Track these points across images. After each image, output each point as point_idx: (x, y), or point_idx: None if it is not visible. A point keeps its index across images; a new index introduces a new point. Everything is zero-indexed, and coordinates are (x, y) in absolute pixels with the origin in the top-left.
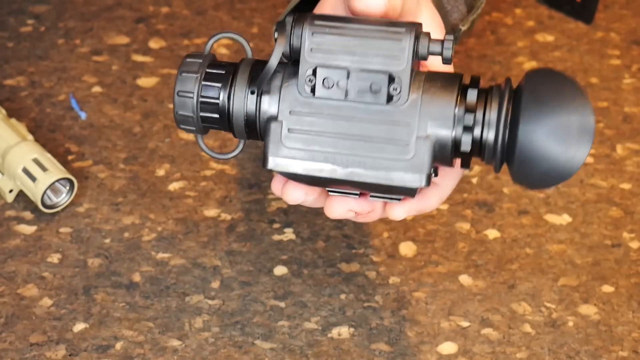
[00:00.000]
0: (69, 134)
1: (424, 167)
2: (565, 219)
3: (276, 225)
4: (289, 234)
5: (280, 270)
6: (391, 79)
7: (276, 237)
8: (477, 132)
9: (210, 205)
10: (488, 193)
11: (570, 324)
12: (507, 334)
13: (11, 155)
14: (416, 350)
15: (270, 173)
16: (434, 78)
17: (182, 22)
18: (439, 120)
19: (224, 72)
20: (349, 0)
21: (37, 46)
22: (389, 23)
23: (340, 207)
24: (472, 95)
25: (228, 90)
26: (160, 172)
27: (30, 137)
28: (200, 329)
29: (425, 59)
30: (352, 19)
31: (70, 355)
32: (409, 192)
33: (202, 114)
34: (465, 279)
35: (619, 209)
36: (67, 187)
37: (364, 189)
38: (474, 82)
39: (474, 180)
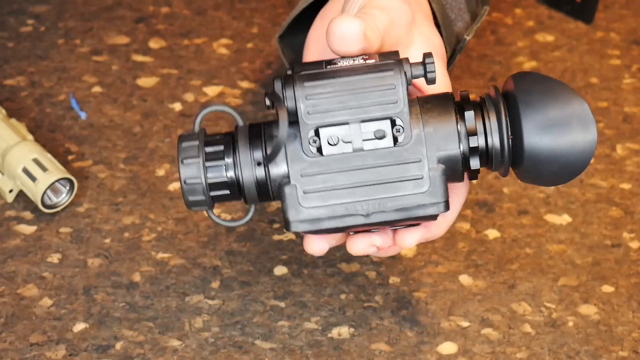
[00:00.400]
0: (69, 134)
1: (440, 194)
2: (565, 219)
3: (276, 225)
4: (289, 234)
5: (280, 270)
6: (393, 122)
7: (276, 237)
8: (482, 147)
9: None
10: (488, 193)
11: (570, 324)
12: (507, 334)
13: (11, 155)
14: (416, 350)
15: None
16: (428, 107)
17: (182, 22)
18: (446, 149)
19: (222, 147)
20: (328, 40)
21: (37, 46)
22: (376, 67)
23: (363, 243)
24: (469, 116)
25: (234, 166)
26: (160, 172)
27: (30, 137)
28: (200, 329)
29: (409, 85)
30: (338, 70)
31: (70, 355)
32: (431, 218)
33: (212, 193)
34: (465, 279)
35: (619, 209)
36: (67, 187)
37: (387, 225)
38: (466, 100)
39: (474, 180)
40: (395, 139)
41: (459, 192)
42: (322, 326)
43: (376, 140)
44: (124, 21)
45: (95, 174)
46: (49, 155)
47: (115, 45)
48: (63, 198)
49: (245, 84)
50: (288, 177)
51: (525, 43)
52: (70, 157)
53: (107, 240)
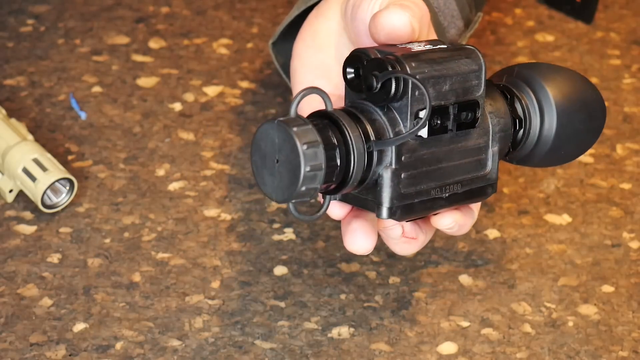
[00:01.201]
0: (69, 134)
1: (494, 176)
2: (565, 219)
3: (276, 225)
4: (289, 234)
5: (280, 270)
6: (477, 105)
7: (276, 237)
8: (526, 127)
9: (210, 205)
10: None
11: (570, 324)
12: (507, 334)
13: (11, 155)
14: (416, 350)
15: None
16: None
17: (182, 22)
18: (504, 133)
19: (330, 132)
20: (374, 33)
21: (37, 46)
22: (458, 51)
23: (449, 219)
24: (515, 101)
25: (346, 154)
26: (160, 172)
27: (30, 137)
28: (200, 329)
29: None
30: (428, 51)
31: (70, 355)
32: (484, 196)
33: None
34: (465, 279)
35: (619, 209)
36: (67, 187)
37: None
38: (507, 89)
39: None
40: (476, 120)
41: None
42: (322, 326)
43: (464, 122)
44: (124, 21)
45: (95, 174)
46: (49, 155)
47: (115, 45)
48: (63, 198)
49: (245, 84)
50: (391, 160)
51: (525, 43)
52: (70, 157)
53: (107, 240)
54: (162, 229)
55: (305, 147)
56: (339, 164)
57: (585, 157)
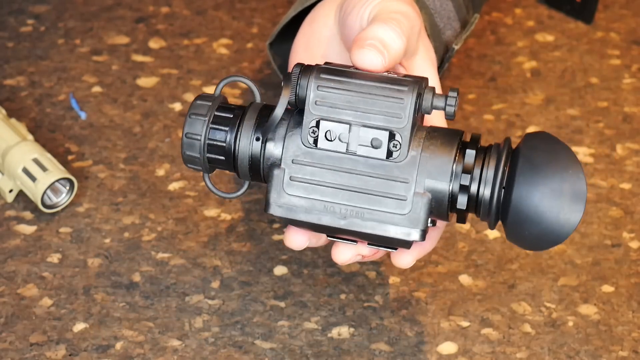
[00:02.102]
0: (69, 134)
1: (419, 222)
2: None
3: (276, 225)
4: None
5: (280, 270)
6: (392, 136)
7: (276, 237)
8: (473, 190)
9: (210, 205)
10: None
11: (570, 324)
12: (507, 334)
13: (11, 155)
14: (416, 350)
15: None
16: (434, 135)
17: (182, 22)
18: (436, 178)
19: (231, 115)
20: (351, 55)
21: (37, 46)
22: (393, 80)
23: (349, 253)
24: (470, 155)
25: (234, 134)
26: (160, 172)
27: (30, 137)
28: (200, 329)
29: (428, 113)
30: (357, 73)
31: (70, 355)
32: (405, 244)
33: (208, 155)
34: (465, 279)
35: (619, 209)
36: (67, 187)
37: (362, 238)
38: (474, 141)
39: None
40: (389, 153)
41: (434, 234)
42: (322, 326)
43: (371, 149)
44: (124, 21)
45: (95, 174)
46: (49, 155)
47: (115, 45)
48: (63, 198)
49: (245, 84)
50: (280, 159)
51: (525, 43)
52: (70, 157)
53: (107, 240)
54: (162, 229)
55: (191, 116)
56: (225, 142)
57: (585, 157)
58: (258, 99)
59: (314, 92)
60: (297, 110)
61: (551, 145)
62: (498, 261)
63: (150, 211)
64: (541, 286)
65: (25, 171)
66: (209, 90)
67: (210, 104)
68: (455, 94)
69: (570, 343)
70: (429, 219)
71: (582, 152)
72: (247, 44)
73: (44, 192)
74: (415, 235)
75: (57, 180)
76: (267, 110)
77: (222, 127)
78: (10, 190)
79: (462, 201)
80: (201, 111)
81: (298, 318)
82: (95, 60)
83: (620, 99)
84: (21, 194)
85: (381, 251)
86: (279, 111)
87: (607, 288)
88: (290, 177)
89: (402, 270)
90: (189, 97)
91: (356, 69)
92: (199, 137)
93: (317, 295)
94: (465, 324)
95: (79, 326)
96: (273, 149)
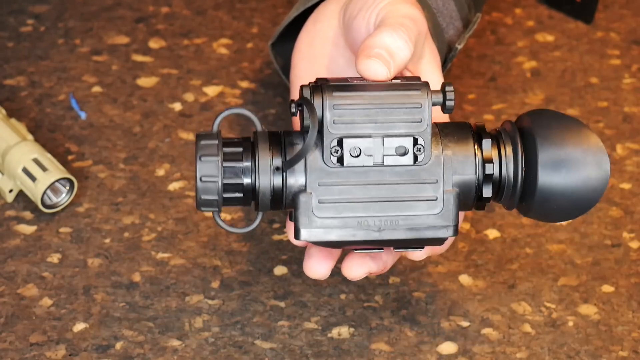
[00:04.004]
0: (69, 134)
1: (451, 218)
2: None
3: (276, 225)
4: (289, 234)
5: (280, 270)
6: (415, 141)
7: (276, 237)
8: (496, 177)
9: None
10: None
11: (570, 324)
12: (507, 334)
13: (11, 155)
14: (416, 350)
15: None
16: (447, 132)
17: (182, 22)
18: (463, 173)
19: (241, 149)
20: (357, 64)
21: (37, 46)
22: (404, 86)
23: (360, 270)
24: (487, 144)
25: (251, 170)
26: (160, 172)
27: (30, 137)
28: (200, 329)
29: None
30: (367, 85)
31: (70, 355)
32: (438, 242)
33: (225, 195)
34: (465, 279)
35: (619, 209)
36: (67, 187)
37: (395, 245)
38: (483, 130)
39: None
40: (415, 158)
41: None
42: (322, 326)
43: (397, 157)
44: (124, 21)
45: (95, 174)
46: (49, 155)
47: (115, 45)
48: (63, 198)
49: (245, 84)
50: (305, 185)
51: (525, 43)
52: (70, 157)
53: (107, 240)
54: (162, 229)
55: (202, 158)
56: (243, 180)
57: None
58: (259, 128)
59: (330, 111)
60: (307, 132)
61: (559, 120)
62: (498, 261)
63: (150, 211)
64: (541, 286)
65: (25, 171)
66: (209, 90)
67: (217, 142)
68: (451, 88)
69: (570, 343)
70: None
71: None
72: (247, 44)
73: (44, 192)
74: (449, 232)
75: (57, 180)
76: (274, 136)
77: (236, 165)
78: (10, 190)
79: (487, 190)
80: (211, 151)
81: (298, 318)
82: (95, 60)
83: (620, 99)
84: (21, 194)
85: (388, 265)
86: (311, 140)
87: (607, 288)
88: (319, 201)
89: (402, 270)
90: (189, 97)
91: (362, 79)
92: (215, 179)
93: (317, 295)
94: (465, 324)
95: (79, 326)
96: (296, 178)
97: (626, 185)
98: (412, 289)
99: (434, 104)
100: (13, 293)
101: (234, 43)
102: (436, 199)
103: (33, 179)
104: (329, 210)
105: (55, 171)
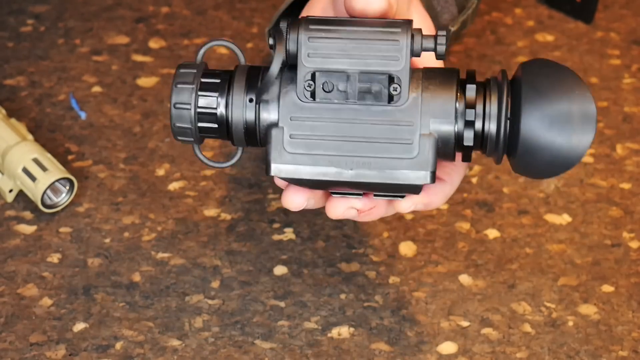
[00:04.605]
0: (69, 134)
1: (428, 164)
2: (565, 218)
3: (276, 225)
4: (289, 234)
5: (280, 270)
6: (391, 79)
7: (276, 237)
8: (478, 125)
9: (210, 205)
10: (488, 193)
11: (570, 323)
12: (507, 333)
13: (11, 155)
14: (416, 350)
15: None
16: (431, 75)
17: (182, 22)
18: (441, 117)
19: (219, 80)
20: (348, 9)
21: (37, 46)
22: (384, 23)
23: (342, 206)
24: (470, 90)
25: (225, 99)
26: (160, 172)
27: (30, 137)
28: (200, 329)
29: (418, 55)
30: (345, 20)
31: (70, 355)
32: (414, 190)
33: (200, 124)
34: (465, 279)
35: (619, 209)
36: (67, 187)
37: (369, 189)
38: (471, 77)
39: (474, 180)
40: (390, 97)
41: (460, 167)
42: (322, 326)
43: (372, 95)
44: (124, 21)
45: (95, 174)
46: (49, 155)
47: (115, 45)
48: (63, 198)
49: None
50: (277, 119)
51: (525, 43)
52: (70, 157)
53: (107, 240)
54: (162, 229)
55: (178, 85)
56: (217, 109)
57: (586, 157)
58: (242, 61)
59: (305, 44)
60: (287, 66)
61: (552, 69)
62: (498, 261)
63: (150, 211)
64: (541, 286)
65: (25, 171)
66: None
67: (195, 71)
68: (444, 33)
69: (570, 343)
70: (436, 162)
71: None
72: (247, 44)
73: (44, 192)
74: (425, 178)
75: (57, 180)
76: (255, 70)
77: (211, 94)
78: (10, 190)
79: (468, 137)
80: (187, 79)
81: (298, 318)
82: (95, 60)
83: (620, 99)
84: (21, 194)
85: (379, 208)
86: (275, 69)
87: (607, 288)
88: (290, 135)
89: (402, 270)
90: None
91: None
92: (188, 107)
93: (317, 295)
94: (465, 324)
95: (79, 326)
96: (269, 109)
97: (626, 185)
98: (412, 289)
99: (425, 49)
100: (13, 293)
101: (231, 39)
102: (411, 143)
103: (33, 179)
104: (300, 147)
105: (55, 171)
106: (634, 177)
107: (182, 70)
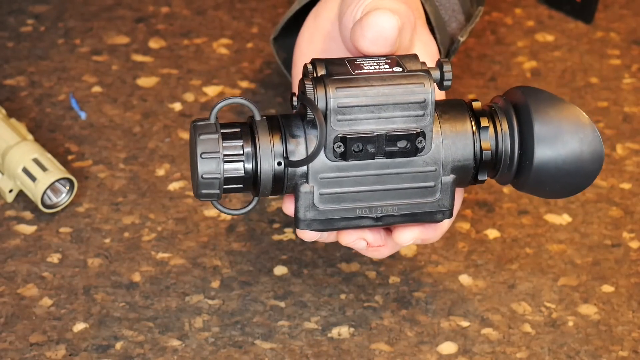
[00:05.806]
0: (69, 134)
1: (448, 203)
2: (565, 219)
3: (276, 225)
4: (289, 234)
5: (280, 270)
6: (417, 135)
7: (276, 237)
8: (492, 157)
9: (210, 205)
10: (488, 193)
11: (570, 323)
12: (507, 333)
13: (11, 155)
14: (416, 350)
15: None
16: (446, 117)
17: (182, 22)
18: (461, 160)
19: (241, 143)
20: (357, 37)
21: (37, 46)
22: (406, 77)
23: (354, 236)
24: (485, 130)
25: (252, 164)
26: (160, 172)
27: (30, 137)
28: (200, 329)
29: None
30: (368, 76)
31: (70, 355)
32: (433, 222)
33: (225, 186)
34: (465, 279)
35: (619, 209)
36: (67, 187)
37: (390, 225)
38: (480, 113)
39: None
40: (416, 150)
41: (458, 198)
42: (322, 326)
43: (399, 150)
44: (124, 21)
45: (95, 174)
46: (49, 155)
47: (115, 45)
48: (63, 198)
49: (245, 84)
50: (306, 177)
51: (525, 43)
52: (70, 157)
53: (107, 240)
54: (162, 229)
55: (203, 156)
56: (244, 174)
57: None
58: (258, 117)
59: (334, 110)
60: (306, 121)
61: (551, 97)
62: (498, 261)
63: (150, 211)
64: (541, 286)
65: (25, 171)
66: (209, 90)
67: (217, 136)
68: (449, 68)
69: (570, 343)
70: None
71: None
72: (247, 44)
73: (44, 192)
74: (445, 215)
75: (57, 180)
76: (273, 123)
77: (238, 158)
78: (10, 190)
79: (482, 176)
80: (211, 148)
81: (298, 318)
82: (95, 60)
83: (620, 99)
84: (21, 194)
85: (386, 247)
86: (321, 143)
87: (607, 288)
88: (320, 193)
89: (402, 270)
90: (189, 97)
91: (352, 61)
92: (217, 176)
93: (317, 295)
94: (465, 324)
95: (79, 326)
96: (297, 169)
97: (626, 185)
98: (412, 289)
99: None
100: (13, 293)
101: (234, 43)
102: (434, 186)
103: (33, 179)
104: (330, 202)
105: (55, 171)
106: (634, 177)
107: (202, 137)
